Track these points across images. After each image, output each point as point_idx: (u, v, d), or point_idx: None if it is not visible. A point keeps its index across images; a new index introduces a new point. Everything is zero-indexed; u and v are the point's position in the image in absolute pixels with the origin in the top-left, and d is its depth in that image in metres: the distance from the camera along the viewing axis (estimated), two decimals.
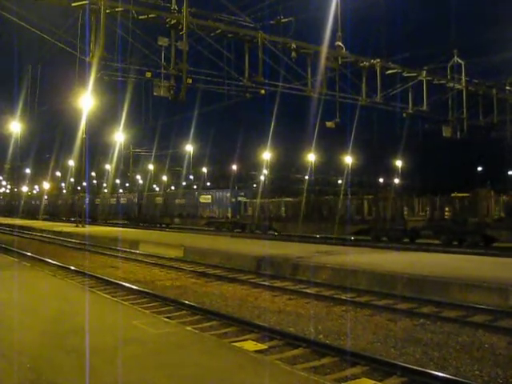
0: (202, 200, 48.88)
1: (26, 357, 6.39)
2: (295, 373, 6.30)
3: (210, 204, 47.59)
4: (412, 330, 10.00)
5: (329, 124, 26.92)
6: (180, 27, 20.23)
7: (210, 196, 48.24)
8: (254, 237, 35.12)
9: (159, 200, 56.81)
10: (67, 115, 47.67)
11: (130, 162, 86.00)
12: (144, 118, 31.91)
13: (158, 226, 54.12)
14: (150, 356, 6.58)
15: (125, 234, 33.02)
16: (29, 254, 23.36)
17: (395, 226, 30.74)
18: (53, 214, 77.23)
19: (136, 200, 60.64)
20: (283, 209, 40.62)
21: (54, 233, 38.93)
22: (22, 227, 46.86)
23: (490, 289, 12.03)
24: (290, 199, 42.01)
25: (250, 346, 8.62)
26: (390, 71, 26.89)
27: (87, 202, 65.81)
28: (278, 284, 15.35)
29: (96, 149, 79.57)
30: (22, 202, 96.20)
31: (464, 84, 29.39)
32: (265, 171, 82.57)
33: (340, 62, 24.68)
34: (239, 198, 44.59)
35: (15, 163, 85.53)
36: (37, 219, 71.86)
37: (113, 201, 67.05)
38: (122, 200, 64.49)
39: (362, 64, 25.87)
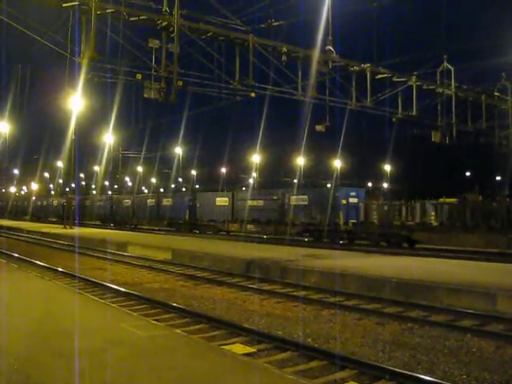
0: (293, 202, 36.70)
1: (13, 359, 6.35)
2: (284, 376, 6.29)
3: (305, 207, 35.75)
4: (400, 333, 10.02)
5: (318, 127, 27.00)
6: (171, 29, 20.24)
7: (305, 196, 36.53)
8: (246, 239, 35.07)
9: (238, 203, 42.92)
10: (56, 116, 47.54)
11: (119, 163, 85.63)
12: (134, 120, 31.87)
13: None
14: (138, 358, 6.56)
15: (113, 236, 32.88)
16: (16, 255, 23.20)
17: None
18: (41, 216, 76.74)
19: (190, 202, 47.48)
20: (432, 214, 31.74)
21: (42, 234, 38.71)
22: (9, 228, 46.59)
23: (478, 293, 12.09)
24: (449, 201, 33.91)
25: (239, 349, 8.61)
26: (379, 76, 27.03)
27: (77, 203, 65.81)
28: (267, 287, 15.34)
29: (85, 150, 79.23)
30: (10, 203, 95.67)
31: (453, 90, 29.59)
32: (254, 174, 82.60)
33: (330, 66, 24.78)
34: (351, 200, 34.22)
35: (3, 164, 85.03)
36: (25, 220, 71.44)
37: (152, 202, 55.26)
38: (166, 202, 52.33)
39: (352, 68, 25.99)
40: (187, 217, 46.47)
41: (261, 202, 39.50)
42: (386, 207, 33.60)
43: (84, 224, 56.73)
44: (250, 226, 40.29)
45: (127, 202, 57.58)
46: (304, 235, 35.37)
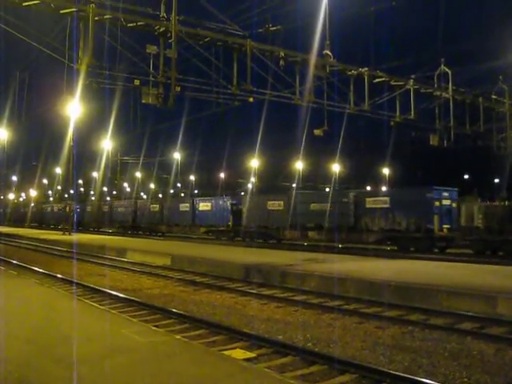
0: (370, 204, 31.68)
1: (13, 366, 6.33)
2: (284, 381, 6.29)
3: (386, 210, 30.60)
4: (400, 337, 10.01)
5: (317, 132, 27.01)
6: (169, 35, 20.27)
7: (386, 198, 31.24)
8: (242, 245, 35.01)
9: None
10: (55, 122, 47.60)
11: (118, 169, 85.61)
12: (132, 126, 31.89)
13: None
14: (138, 365, 6.54)
15: (113, 242, 32.86)
16: (15, 262, 23.16)
17: None
18: (40, 222, 76.62)
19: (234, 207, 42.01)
20: None
21: (41, 241, 38.65)
22: (8, 235, 46.52)
23: (477, 296, 12.09)
24: None
25: (239, 354, 8.59)
26: (377, 80, 27.06)
27: (76, 209, 65.23)
28: (267, 292, 15.33)
29: (83, 156, 79.36)
30: (9, 210, 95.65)
31: (451, 93, 29.63)
32: (252, 179, 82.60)
33: (328, 71, 24.80)
34: (444, 202, 29.42)
35: (1, 170, 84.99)
36: (23, 227, 71.37)
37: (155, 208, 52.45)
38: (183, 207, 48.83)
39: (349, 72, 26.02)
40: (230, 223, 41.14)
41: (327, 206, 33.52)
42: (498, 209, 27.65)
43: (101, 232, 56.08)
44: (311, 234, 34.80)
45: (155, 206, 51.75)
46: (384, 243, 31.19)
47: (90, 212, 64.37)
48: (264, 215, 37.78)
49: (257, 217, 38.30)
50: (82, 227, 61.47)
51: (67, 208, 52.67)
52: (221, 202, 43.42)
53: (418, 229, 28.43)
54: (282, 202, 37.15)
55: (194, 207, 45.71)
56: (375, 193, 33.75)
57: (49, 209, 78.65)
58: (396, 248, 29.35)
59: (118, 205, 60.02)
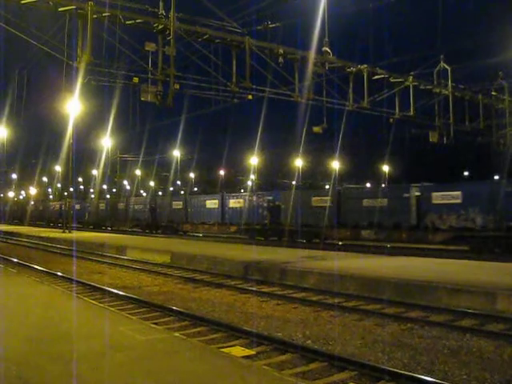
0: (437, 200, 28.30)
1: (12, 363, 6.33)
2: (283, 378, 6.28)
3: (457, 206, 27.28)
4: (400, 334, 10.01)
5: (316, 129, 26.99)
6: (167, 32, 20.22)
7: (457, 192, 27.60)
8: (241, 242, 35.02)
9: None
10: (54, 120, 47.58)
11: (118, 167, 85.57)
12: (131, 124, 31.88)
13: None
14: (137, 362, 6.54)
15: (112, 240, 32.87)
16: (15, 260, 23.17)
17: None
18: (39, 220, 76.51)
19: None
20: None
21: (41, 238, 38.66)
22: (7, 233, 46.54)
23: (477, 293, 12.09)
24: None
25: (238, 351, 8.59)
26: (376, 76, 27.01)
27: (86, 207, 64.85)
28: (266, 289, 15.33)
29: (83, 154, 79.39)
30: (8, 208, 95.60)
31: (450, 89, 29.61)
32: (252, 176, 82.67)
33: (327, 68, 24.77)
34: None
35: (1, 168, 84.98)
36: (23, 225, 71.35)
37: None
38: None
39: (348, 69, 25.98)
40: (268, 221, 37.90)
41: (383, 202, 30.67)
42: None
43: (117, 231, 54.02)
44: (366, 233, 31.57)
45: (178, 204, 48.31)
46: (454, 244, 27.51)
47: (104, 210, 61.57)
48: (307, 212, 34.43)
49: (298, 214, 34.71)
50: (92, 226, 60.58)
51: (67, 205, 52.60)
52: (255, 198, 40.13)
53: (498, 227, 25.32)
54: (329, 198, 33.94)
55: (223, 204, 42.49)
56: (444, 187, 29.17)
57: (51, 207, 78.23)
58: (467, 249, 26.20)
59: (135, 202, 57.00)
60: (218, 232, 43.13)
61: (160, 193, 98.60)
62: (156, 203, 52.00)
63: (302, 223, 34.42)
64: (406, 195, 29.74)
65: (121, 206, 58.47)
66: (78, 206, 67.02)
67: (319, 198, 34.77)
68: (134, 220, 54.38)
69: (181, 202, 48.22)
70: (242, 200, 41.18)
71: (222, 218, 42.39)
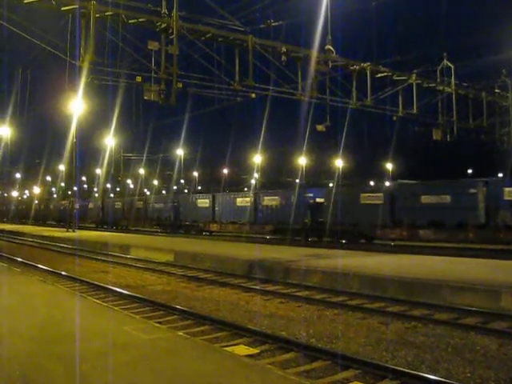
0: (509, 196, 26.31)
1: (15, 363, 6.33)
2: (287, 377, 6.28)
3: None
4: (404, 332, 10.00)
5: (319, 127, 26.94)
6: (170, 31, 20.22)
7: None
8: (245, 240, 35.03)
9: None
10: (58, 119, 47.60)
11: (121, 166, 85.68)
12: (135, 123, 31.88)
13: None
14: (141, 362, 6.54)
15: (116, 239, 32.92)
16: (19, 259, 23.20)
17: None
18: (43, 219, 76.49)
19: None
20: None
21: (45, 238, 38.71)
22: (11, 232, 46.64)
23: (481, 291, 12.07)
24: None
25: (242, 350, 8.59)
26: (380, 74, 26.97)
27: (98, 206, 63.44)
28: (270, 288, 15.32)
29: (86, 153, 79.48)
30: (12, 207, 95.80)
31: (453, 87, 29.55)
32: (256, 175, 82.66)
33: (330, 66, 24.73)
34: None
35: (5, 168, 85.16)
36: (27, 224, 71.47)
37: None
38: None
39: (352, 67, 25.94)
40: (308, 220, 35.04)
41: (445, 198, 28.01)
42: None
43: (137, 231, 52.01)
44: (425, 232, 29.01)
45: (204, 201, 45.43)
46: None
47: (120, 209, 59.02)
48: (355, 211, 31.56)
49: (344, 212, 31.63)
50: (106, 225, 58.74)
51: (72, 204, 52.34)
52: (293, 196, 37.18)
53: None
54: (380, 195, 31.48)
55: (256, 202, 39.71)
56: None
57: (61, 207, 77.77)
58: None
59: (155, 200, 54.83)
60: (249, 232, 39.97)
61: (164, 192, 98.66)
62: (179, 201, 49.50)
63: (349, 222, 31.87)
64: (473, 191, 27.55)
65: (139, 204, 56.06)
66: (91, 205, 66.21)
67: (369, 194, 32.16)
68: (154, 219, 52.47)
69: (207, 200, 45.43)
70: (277, 197, 38.56)
71: (254, 217, 39.71)
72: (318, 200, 35.10)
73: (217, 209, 43.84)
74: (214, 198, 44.98)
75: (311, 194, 36.12)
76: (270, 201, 38.84)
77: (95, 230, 52.04)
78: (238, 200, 41.76)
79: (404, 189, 31.74)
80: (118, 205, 60.24)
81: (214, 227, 44.27)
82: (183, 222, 47.85)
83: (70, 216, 48.29)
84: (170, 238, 39.00)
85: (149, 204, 53.86)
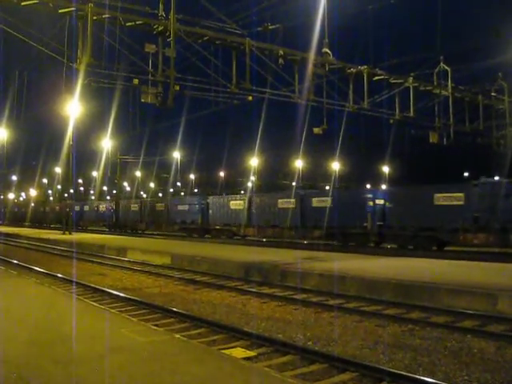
0: None
1: (12, 366, 6.31)
2: (284, 380, 6.27)
3: None
4: (401, 335, 10.01)
5: (316, 130, 26.96)
6: (167, 34, 20.22)
7: None
8: (242, 243, 34.99)
9: None
10: (54, 122, 47.51)
11: (118, 168, 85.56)
12: (131, 125, 31.81)
13: None
14: (138, 364, 6.53)
15: (112, 241, 32.87)
16: (15, 261, 23.15)
17: None
18: (39, 222, 76.29)
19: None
20: None
21: (41, 240, 38.63)
22: (7, 234, 46.50)
23: (477, 294, 12.09)
24: None
25: (239, 353, 8.59)
26: (376, 78, 27.00)
27: (74, 209, 60.82)
28: (267, 291, 15.32)
29: (83, 156, 79.26)
30: (8, 210, 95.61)
31: (450, 90, 29.60)
32: (252, 178, 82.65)
33: (327, 69, 24.75)
34: None
35: (1, 170, 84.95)
36: (23, 226, 71.30)
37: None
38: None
39: (349, 70, 25.96)
40: (368, 224, 30.99)
41: None
42: None
43: (152, 235, 49.55)
44: None
45: (238, 203, 41.47)
46: None
47: (137, 212, 55.15)
48: (428, 212, 28.05)
49: (414, 215, 28.52)
50: (120, 228, 56.18)
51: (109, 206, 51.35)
52: (347, 196, 34.53)
53: None
54: (461, 195, 27.59)
55: (302, 204, 35.77)
56: None
57: (52, 208, 77.53)
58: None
59: (179, 202, 50.61)
60: (293, 237, 36.24)
61: (160, 194, 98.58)
62: (208, 203, 45.05)
63: (420, 226, 28.48)
64: None
65: (159, 206, 51.87)
66: (102, 207, 63.16)
67: (446, 194, 28.22)
68: (177, 223, 48.25)
69: (242, 202, 41.34)
70: (327, 199, 34.23)
71: (300, 221, 35.50)
72: (377, 201, 31.60)
73: (254, 211, 39.79)
74: (250, 199, 40.95)
75: (370, 195, 32.47)
76: (320, 202, 34.54)
77: (103, 234, 51.58)
78: (280, 201, 37.70)
79: (490, 187, 27.32)
80: (135, 207, 56.09)
81: (250, 232, 40.27)
82: (212, 225, 43.99)
83: (66, 218, 48.15)
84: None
85: (171, 206, 49.87)
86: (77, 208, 66.43)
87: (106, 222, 60.30)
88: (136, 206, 56.13)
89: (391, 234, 30.10)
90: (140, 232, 53.39)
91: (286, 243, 32.84)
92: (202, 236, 43.66)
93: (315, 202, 34.85)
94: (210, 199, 45.67)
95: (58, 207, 71.70)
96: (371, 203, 31.42)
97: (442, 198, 28.13)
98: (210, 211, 44.23)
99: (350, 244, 31.13)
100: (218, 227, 43.20)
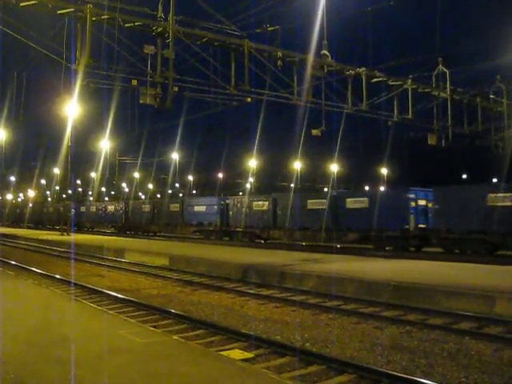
0: None
1: (10, 367, 6.31)
2: (282, 382, 6.29)
3: None
4: (398, 337, 10.01)
5: (314, 132, 26.95)
6: (166, 35, 20.22)
7: None
8: (241, 245, 34.96)
9: None
10: (53, 123, 47.45)
11: (116, 169, 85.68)
12: (130, 126, 31.82)
13: None
14: (136, 366, 6.53)
15: (111, 243, 32.85)
16: (13, 262, 23.14)
17: None
18: (38, 223, 76.12)
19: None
20: None
21: (39, 241, 38.61)
22: (6, 235, 46.47)
23: (475, 296, 12.10)
24: None
25: (237, 354, 8.58)
26: (375, 79, 27.01)
27: (73, 210, 58.54)
28: (265, 292, 15.32)
29: (81, 156, 79.30)
30: (7, 210, 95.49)
31: (449, 92, 29.60)
32: (251, 179, 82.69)
33: (326, 71, 24.74)
34: None
35: None
36: (21, 227, 71.22)
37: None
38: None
39: (347, 72, 25.96)
40: (410, 226, 29.13)
41: None
42: None
43: (164, 237, 48.06)
44: None
45: (261, 204, 39.00)
46: None
47: (149, 213, 52.41)
48: (480, 214, 25.56)
49: (464, 216, 26.17)
50: (129, 230, 54.24)
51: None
52: (386, 196, 32.22)
53: None
54: None
55: (335, 205, 33.43)
56: None
57: (50, 209, 76.99)
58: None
59: (195, 203, 47.74)
60: (325, 241, 33.15)
61: (158, 195, 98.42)
62: (228, 204, 42.77)
63: (470, 229, 26.27)
64: None
65: (173, 207, 49.30)
66: (111, 208, 60.13)
67: (502, 194, 25.61)
68: (193, 225, 46.04)
69: (266, 203, 38.88)
70: (364, 199, 31.96)
71: (333, 223, 32.87)
72: (420, 202, 29.73)
73: (279, 212, 37.25)
74: (275, 200, 38.42)
75: (413, 195, 30.01)
76: (355, 203, 32.16)
77: (108, 235, 51.43)
78: (310, 202, 35.12)
79: None
80: (147, 208, 53.46)
81: (276, 234, 37.60)
82: (233, 228, 41.36)
83: (64, 219, 48.11)
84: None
85: (187, 207, 47.36)
86: (82, 209, 65.53)
87: (114, 223, 58.44)
88: (148, 206, 53.69)
89: (436, 237, 28.00)
90: (151, 234, 51.70)
91: (284, 245, 32.74)
92: (220, 239, 41.55)
93: (350, 202, 32.55)
94: (231, 200, 43.42)
95: (62, 208, 68.79)
96: (413, 204, 29.50)
97: (496, 198, 25.47)
98: (230, 212, 41.83)
99: (387, 248, 29.05)
100: (238, 229, 40.70)
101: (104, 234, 54.55)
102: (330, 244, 31.67)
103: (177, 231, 48.59)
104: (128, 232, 54.20)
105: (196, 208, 46.05)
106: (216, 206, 43.36)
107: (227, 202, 43.16)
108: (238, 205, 41.53)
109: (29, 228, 69.26)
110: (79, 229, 59.51)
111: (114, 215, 58.22)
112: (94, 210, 63.83)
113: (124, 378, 6.06)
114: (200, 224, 44.81)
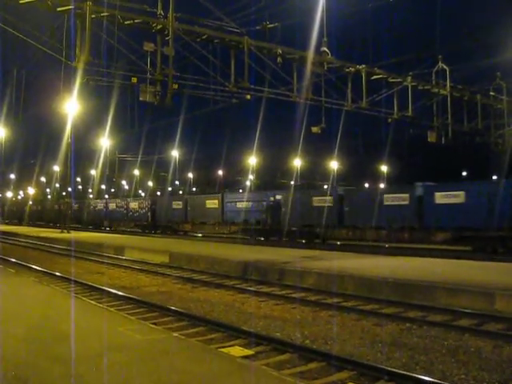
0: None
1: (10, 364, 6.32)
2: (282, 378, 6.29)
3: None
4: (398, 334, 10.02)
5: (314, 129, 26.98)
6: (166, 32, 20.22)
7: None
8: (239, 242, 34.90)
9: None
10: (52, 120, 47.42)
11: (116, 167, 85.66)
12: (130, 123, 31.84)
13: None
14: (136, 363, 6.54)
15: (109, 240, 32.85)
16: (13, 260, 23.12)
17: None
18: (38, 220, 76.04)
19: None
20: None
21: (40, 239, 38.60)
22: (6, 233, 46.41)
23: (475, 293, 12.10)
24: None
25: (237, 351, 8.59)
26: (375, 77, 27.02)
27: (143, 207, 53.65)
28: (265, 289, 15.32)
29: (81, 154, 79.24)
30: (6, 208, 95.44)
31: (449, 90, 29.61)
32: (250, 176, 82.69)
33: (325, 68, 24.76)
34: None
35: None
36: (21, 225, 71.19)
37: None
38: None
39: (347, 69, 25.97)
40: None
41: None
42: None
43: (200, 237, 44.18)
44: None
45: (321, 200, 34.43)
46: None
47: (181, 210, 47.95)
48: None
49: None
50: (157, 229, 50.22)
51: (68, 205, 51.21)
52: (488, 189, 26.22)
53: None
54: None
55: (420, 200, 28.94)
56: None
57: (51, 206, 76.75)
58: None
59: (239, 199, 42.71)
60: (412, 240, 29.57)
61: (158, 193, 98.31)
62: (280, 199, 37.84)
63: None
64: None
65: (210, 204, 44.57)
66: (134, 205, 55.13)
67: None
68: (236, 223, 41.39)
69: (330, 198, 34.15)
70: (460, 193, 27.02)
71: (419, 219, 28.94)
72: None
73: (346, 209, 32.91)
74: (340, 194, 34.00)
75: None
76: (448, 198, 27.52)
77: (138, 235, 50.74)
78: (386, 197, 30.63)
79: None
80: (178, 204, 48.75)
81: (343, 233, 33.27)
82: (286, 226, 35.75)
83: (64, 217, 48.08)
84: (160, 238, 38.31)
85: (227, 203, 42.62)
86: (100, 206, 61.88)
87: (138, 221, 53.78)
88: (180, 203, 48.75)
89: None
90: (181, 233, 47.83)
91: (284, 242, 32.66)
92: (268, 238, 37.03)
93: (440, 197, 27.91)
94: (284, 195, 38.21)
95: (77, 205, 65.66)
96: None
97: None
98: (283, 209, 36.79)
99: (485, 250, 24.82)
100: (294, 229, 35.42)
101: (131, 233, 50.33)
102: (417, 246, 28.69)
103: (215, 230, 44.37)
104: (155, 231, 50.21)
105: (239, 205, 41.36)
106: (265, 203, 38.85)
107: (277, 197, 38.36)
108: (294, 200, 36.16)
109: (29, 225, 69.13)
110: (96, 228, 56.85)
111: (138, 213, 53.74)
112: (114, 207, 59.04)
113: (124, 374, 6.07)
114: (245, 222, 39.97)
